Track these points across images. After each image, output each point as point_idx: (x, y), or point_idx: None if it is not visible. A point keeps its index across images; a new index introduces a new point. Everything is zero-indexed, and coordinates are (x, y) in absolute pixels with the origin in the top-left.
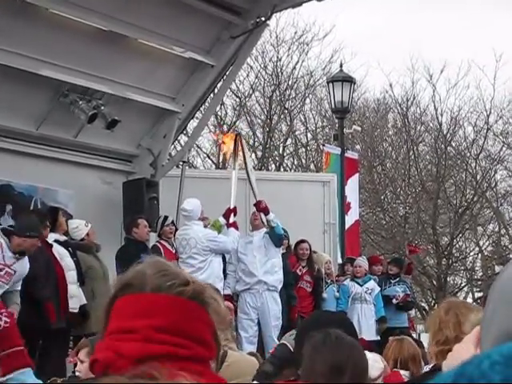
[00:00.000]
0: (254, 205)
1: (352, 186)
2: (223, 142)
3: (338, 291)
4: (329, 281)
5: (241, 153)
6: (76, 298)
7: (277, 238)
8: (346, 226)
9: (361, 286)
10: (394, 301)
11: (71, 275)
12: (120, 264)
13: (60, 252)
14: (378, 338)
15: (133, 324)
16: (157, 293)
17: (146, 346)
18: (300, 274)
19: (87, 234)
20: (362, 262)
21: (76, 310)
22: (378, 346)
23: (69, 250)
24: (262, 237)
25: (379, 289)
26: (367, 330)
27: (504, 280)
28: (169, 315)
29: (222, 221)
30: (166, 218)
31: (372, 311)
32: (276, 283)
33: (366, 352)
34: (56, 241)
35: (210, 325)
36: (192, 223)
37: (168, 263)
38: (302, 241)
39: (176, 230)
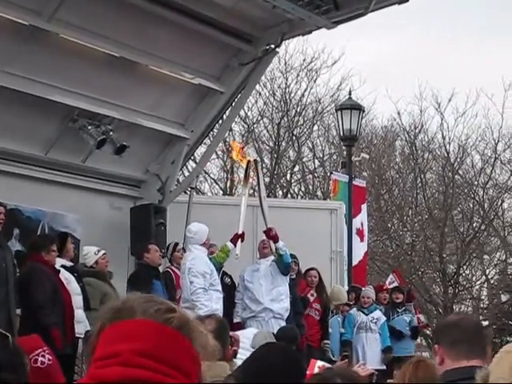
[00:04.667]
0: (264, 232)
1: (363, 214)
2: (237, 156)
3: (343, 321)
4: (334, 310)
5: (254, 179)
6: (82, 323)
7: (284, 266)
8: (362, 254)
9: (366, 315)
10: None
11: (78, 300)
12: (132, 289)
13: (66, 277)
14: (384, 367)
15: (116, 348)
16: (144, 318)
17: (127, 370)
18: (312, 299)
19: (96, 262)
20: (370, 292)
21: (82, 336)
22: (383, 376)
23: (74, 276)
24: (269, 265)
25: (385, 318)
26: (372, 359)
27: None
28: (153, 340)
29: (230, 246)
30: (176, 244)
31: (377, 340)
32: (282, 311)
33: None
34: (63, 266)
35: (195, 358)
36: (194, 247)
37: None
38: (311, 268)
39: None
